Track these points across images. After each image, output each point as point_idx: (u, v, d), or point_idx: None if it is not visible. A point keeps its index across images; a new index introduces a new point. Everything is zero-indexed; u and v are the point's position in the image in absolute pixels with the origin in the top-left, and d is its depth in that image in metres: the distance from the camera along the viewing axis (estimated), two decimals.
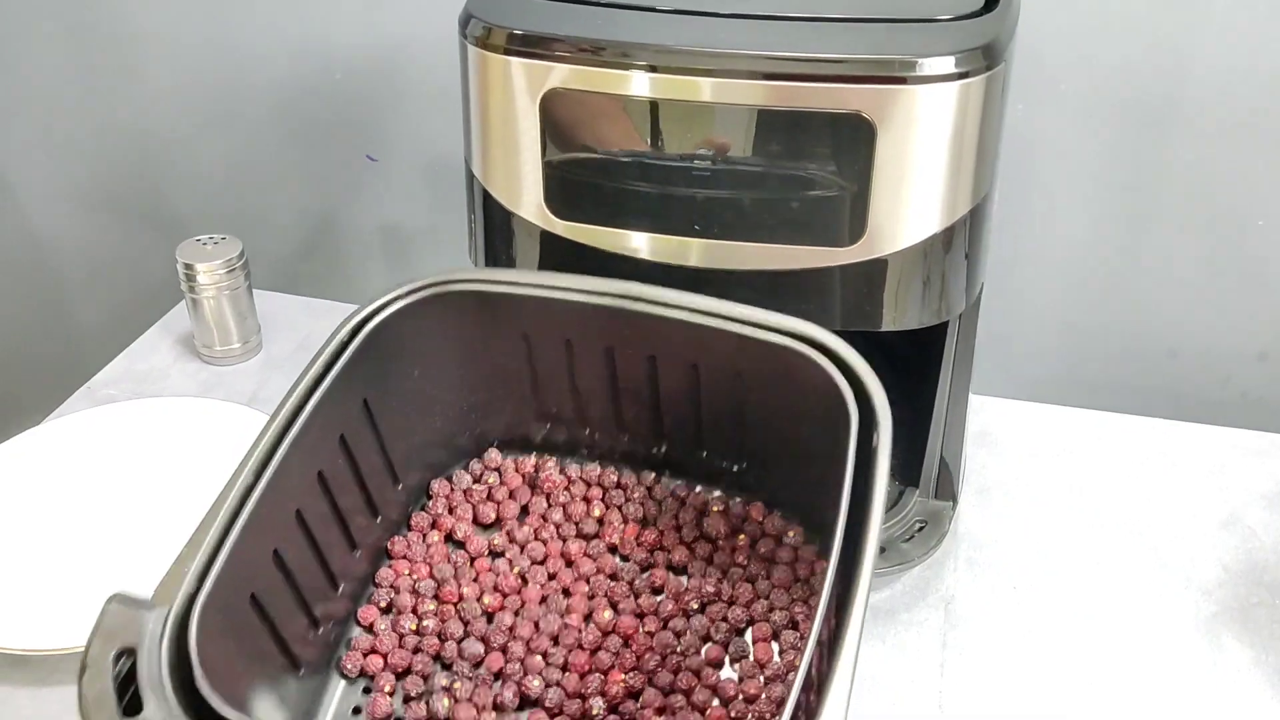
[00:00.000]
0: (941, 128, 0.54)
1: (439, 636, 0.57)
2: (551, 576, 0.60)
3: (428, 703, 0.54)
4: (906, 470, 0.69)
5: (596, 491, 0.64)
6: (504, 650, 0.56)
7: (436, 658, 0.57)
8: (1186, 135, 0.84)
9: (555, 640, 0.57)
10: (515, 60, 0.57)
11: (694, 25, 0.56)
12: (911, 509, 0.68)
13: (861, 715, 0.60)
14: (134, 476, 0.76)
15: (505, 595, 0.59)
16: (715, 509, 0.62)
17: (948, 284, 0.60)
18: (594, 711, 0.53)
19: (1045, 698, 0.61)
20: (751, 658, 0.56)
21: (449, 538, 0.62)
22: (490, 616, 0.58)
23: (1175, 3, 0.79)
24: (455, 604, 0.58)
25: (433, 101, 0.99)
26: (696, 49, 0.54)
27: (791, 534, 0.60)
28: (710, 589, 0.58)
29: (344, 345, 0.54)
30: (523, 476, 0.64)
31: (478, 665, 0.56)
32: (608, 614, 0.58)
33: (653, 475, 0.64)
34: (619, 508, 0.63)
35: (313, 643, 0.54)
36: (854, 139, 0.54)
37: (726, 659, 0.56)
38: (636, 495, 0.63)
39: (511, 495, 0.64)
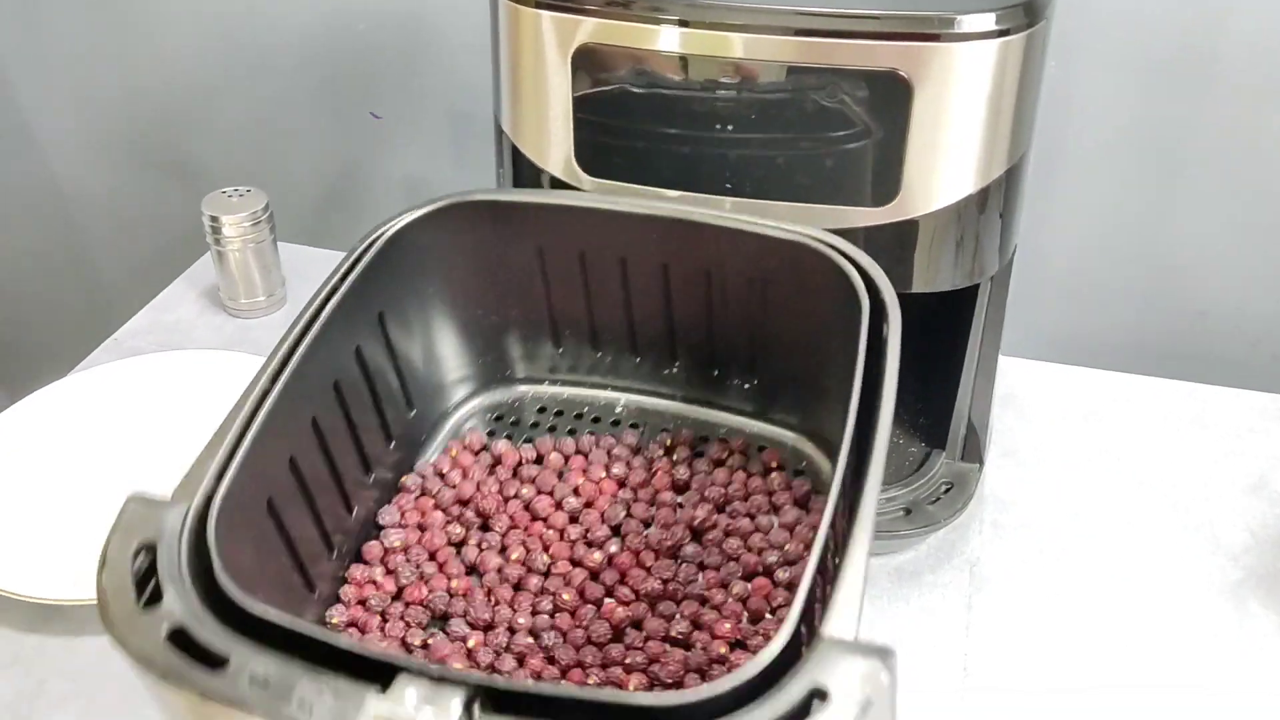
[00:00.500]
0: (979, 87, 0.53)
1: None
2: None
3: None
4: (933, 433, 0.69)
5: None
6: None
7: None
8: (1223, 94, 0.82)
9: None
10: (546, 14, 0.56)
11: None
12: (938, 471, 0.68)
13: None
14: (161, 428, 0.76)
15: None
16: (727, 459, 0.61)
17: (981, 245, 0.59)
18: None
19: (1070, 660, 0.62)
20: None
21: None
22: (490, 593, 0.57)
23: None
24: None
25: (459, 55, 0.98)
26: (729, 4, 0.53)
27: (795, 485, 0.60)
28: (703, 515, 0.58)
29: (360, 257, 0.54)
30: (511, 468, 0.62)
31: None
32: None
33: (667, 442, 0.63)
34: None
35: (326, 571, 0.54)
36: (889, 98, 0.53)
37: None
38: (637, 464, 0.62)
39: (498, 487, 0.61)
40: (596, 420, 0.65)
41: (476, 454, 0.62)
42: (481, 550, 0.57)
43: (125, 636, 0.36)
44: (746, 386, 0.63)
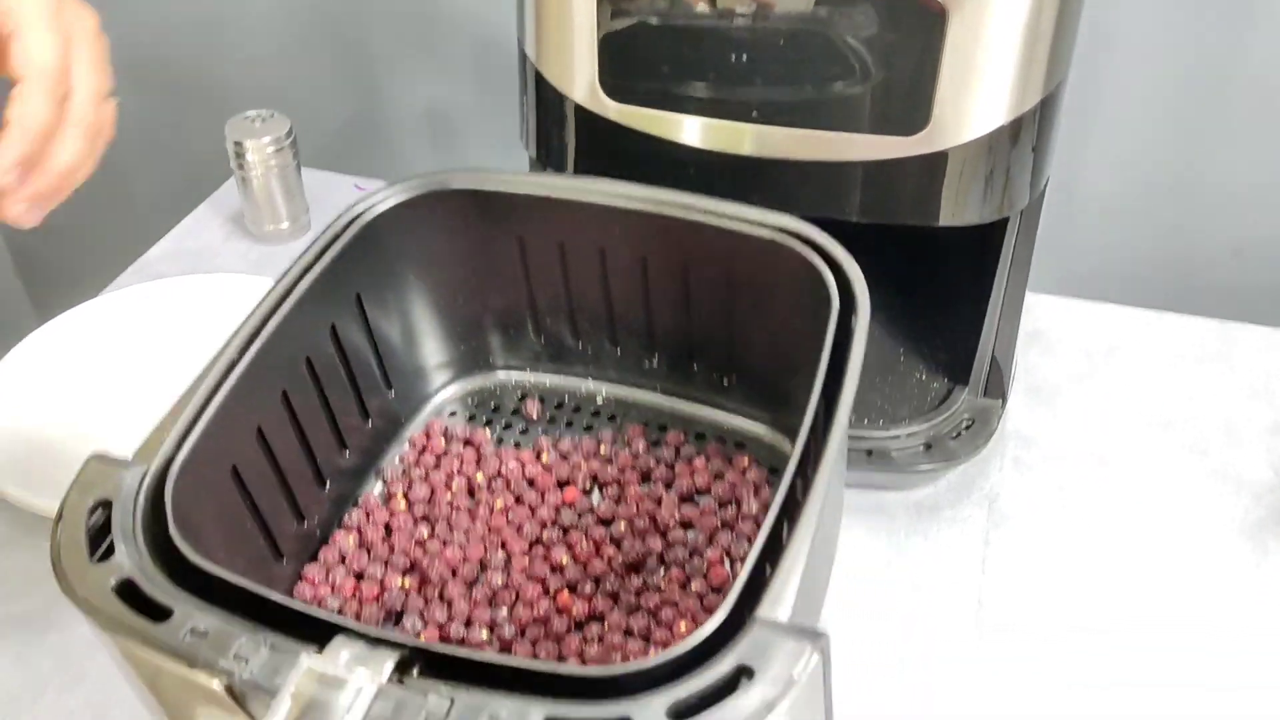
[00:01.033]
0: (1017, 12, 0.52)
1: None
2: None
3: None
4: (957, 368, 0.69)
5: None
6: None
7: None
8: (1266, 26, 0.80)
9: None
10: None
11: None
12: (960, 406, 0.67)
13: (900, 609, 0.61)
14: (186, 352, 0.76)
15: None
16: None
17: (1011, 179, 0.58)
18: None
19: (1086, 597, 0.62)
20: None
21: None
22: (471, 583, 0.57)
23: None
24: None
25: None
26: None
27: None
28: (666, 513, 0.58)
29: (337, 237, 0.54)
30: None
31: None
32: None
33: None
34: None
35: (296, 536, 0.55)
36: (923, 23, 0.52)
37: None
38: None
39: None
40: (577, 410, 0.65)
41: (447, 443, 0.62)
42: (445, 545, 0.57)
43: (73, 586, 0.38)
44: (725, 381, 0.62)
